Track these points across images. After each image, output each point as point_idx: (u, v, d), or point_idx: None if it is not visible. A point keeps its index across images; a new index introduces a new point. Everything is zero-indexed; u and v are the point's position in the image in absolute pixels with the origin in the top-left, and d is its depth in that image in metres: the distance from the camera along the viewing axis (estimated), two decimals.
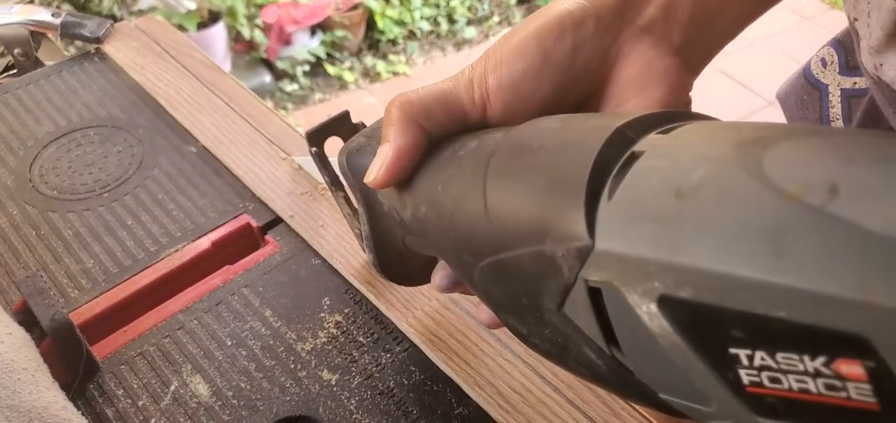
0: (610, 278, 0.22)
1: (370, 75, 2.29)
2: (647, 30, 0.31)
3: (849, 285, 0.16)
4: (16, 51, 0.61)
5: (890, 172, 0.17)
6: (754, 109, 2.00)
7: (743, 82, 2.08)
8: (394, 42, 2.40)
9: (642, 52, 0.31)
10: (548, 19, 0.31)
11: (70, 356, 0.40)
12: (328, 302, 0.46)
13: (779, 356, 0.18)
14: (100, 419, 0.40)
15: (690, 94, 0.33)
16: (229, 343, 0.44)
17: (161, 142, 0.56)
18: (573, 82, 0.31)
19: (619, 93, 0.31)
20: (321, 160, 0.42)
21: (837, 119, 0.47)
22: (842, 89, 0.47)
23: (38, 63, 0.63)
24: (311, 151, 0.42)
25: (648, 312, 0.20)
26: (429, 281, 0.39)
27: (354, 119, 0.43)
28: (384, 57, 2.36)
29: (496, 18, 2.55)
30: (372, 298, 0.46)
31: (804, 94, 0.49)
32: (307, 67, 2.23)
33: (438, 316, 0.45)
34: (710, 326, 0.19)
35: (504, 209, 0.26)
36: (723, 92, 2.05)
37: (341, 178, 0.39)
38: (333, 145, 0.43)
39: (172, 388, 0.42)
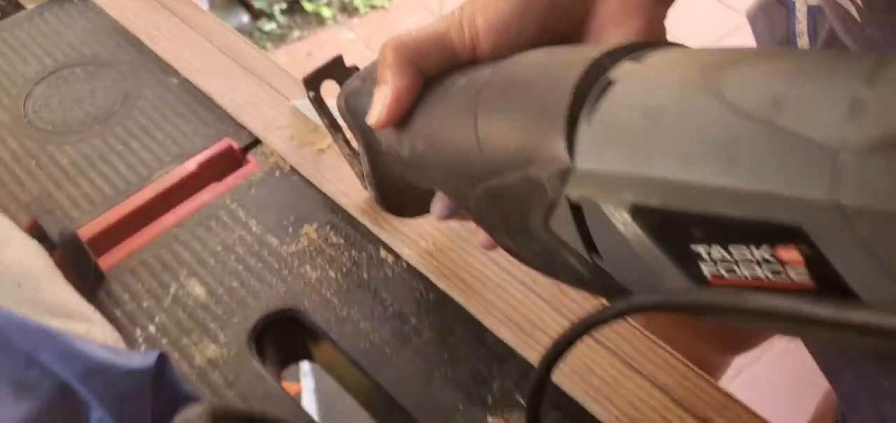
0: (589, 194, 0.24)
1: (348, 10, 2.28)
2: None
3: (786, 184, 0.19)
4: None
5: (826, 87, 0.19)
6: (732, 26, 2.02)
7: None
8: None
9: None
10: None
11: (79, 266, 0.45)
12: (307, 212, 0.51)
13: (732, 248, 0.21)
14: (110, 318, 0.45)
15: (665, 23, 0.35)
16: (219, 250, 0.49)
17: (144, 76, 0.60)
18: (557, 19, 0.33)
19: (600, 26, 0.34)
20: (319, 104, 0.45)
21: (803, 36, 0.48)
22: (809, 6, 0.47)
23: (18, 7, 0.66)
24: (308, 96, 0.45)
25: (623, 220, 0.23)
26: (427, 212, 0.42)
27: (337, 55, 0.45)
28: None
29: None
30: (347, 207, 0.51)
31: (773, 12, 0.50)
32: (285, 5, 2.23)
33: (411, 220, 0.51)
34: (675, 228, 0.22)
35: (494, 140, 0.29)
36: (701, 10, 2.07)
37: (340, 120, 0.41)
38: (329, 89, 0.45)
39: (172, 290, 0.47)
